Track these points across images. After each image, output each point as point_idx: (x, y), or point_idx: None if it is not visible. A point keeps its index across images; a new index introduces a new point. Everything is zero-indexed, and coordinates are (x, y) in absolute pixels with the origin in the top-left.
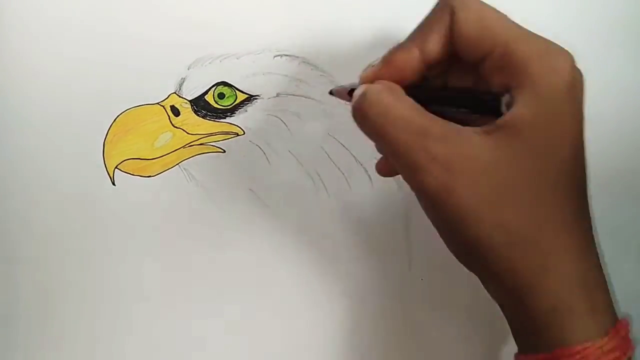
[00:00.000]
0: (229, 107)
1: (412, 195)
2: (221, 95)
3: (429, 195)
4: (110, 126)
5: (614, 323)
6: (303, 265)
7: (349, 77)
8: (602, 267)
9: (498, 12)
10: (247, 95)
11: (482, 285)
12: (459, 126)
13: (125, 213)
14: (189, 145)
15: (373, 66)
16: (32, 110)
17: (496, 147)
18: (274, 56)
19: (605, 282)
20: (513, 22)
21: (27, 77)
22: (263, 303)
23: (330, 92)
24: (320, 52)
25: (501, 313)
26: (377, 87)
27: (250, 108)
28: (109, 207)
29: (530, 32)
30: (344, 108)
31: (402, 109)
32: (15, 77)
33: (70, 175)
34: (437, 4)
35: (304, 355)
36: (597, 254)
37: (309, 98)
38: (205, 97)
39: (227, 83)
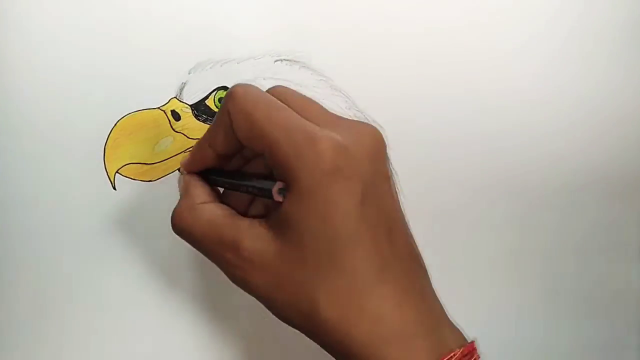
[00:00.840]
0: None
1: (413, 197)
2: (222, 100)
3: (240, 288)
4: (111, 131)
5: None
6: None
7: (349, 82)
8: (598, 270)
9: (270, 109)
10: None
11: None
12: (247, 222)
13: (125, 218)
14: (190, 149)
15: (187, 155)
16: (32, 115)
17: (275, 239)
18: (275, 61)
19: (442, 320)
20: (285, 115)
21: (28, 82)
22: (263, 309)
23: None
24: (321, 57)
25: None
26: (178, 210)
27: None
28: (109, 212)
29: (297, 124)
30: (344, 113)
31: (200, 226)
32: (16, 82)
33: (71, 179)
34: (221, 106)
35: None
36: (421, 297)
37: None
38: (206, 101)
39: (227, 88)
